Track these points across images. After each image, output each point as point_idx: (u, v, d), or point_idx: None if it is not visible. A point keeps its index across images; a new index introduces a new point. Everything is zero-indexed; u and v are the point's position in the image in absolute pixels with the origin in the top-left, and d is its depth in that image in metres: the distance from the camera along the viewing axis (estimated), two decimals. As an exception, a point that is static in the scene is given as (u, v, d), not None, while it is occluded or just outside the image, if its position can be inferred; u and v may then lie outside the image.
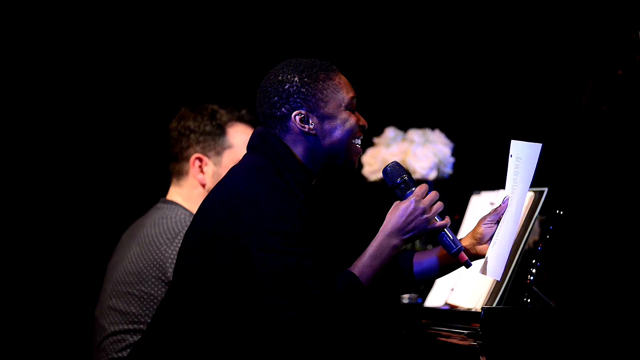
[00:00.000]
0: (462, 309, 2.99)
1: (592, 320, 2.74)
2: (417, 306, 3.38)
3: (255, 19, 4.63)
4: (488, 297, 2.92)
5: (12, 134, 4.28)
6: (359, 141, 2.50)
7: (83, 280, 4.27)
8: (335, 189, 4.53)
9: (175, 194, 3.25)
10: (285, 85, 2.44)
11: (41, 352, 4.30)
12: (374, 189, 4.00)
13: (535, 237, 2.97)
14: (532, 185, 3.03)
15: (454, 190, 3.98)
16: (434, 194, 2.40)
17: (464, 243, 2.48)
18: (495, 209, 2.47)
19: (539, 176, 3.44)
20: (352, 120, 2.46)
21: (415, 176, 3.90)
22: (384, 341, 3.33)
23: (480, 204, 3.21)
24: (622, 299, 2.90)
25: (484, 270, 2.45)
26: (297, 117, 2.43)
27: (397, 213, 2.37)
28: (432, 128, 4.01)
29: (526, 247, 2.93)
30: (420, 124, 4.04)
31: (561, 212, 2.96)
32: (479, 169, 4.40)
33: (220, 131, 3.24)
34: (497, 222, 2.47)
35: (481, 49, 4.59)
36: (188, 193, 3.23)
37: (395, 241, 2.36)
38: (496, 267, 2.44)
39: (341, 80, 2.48)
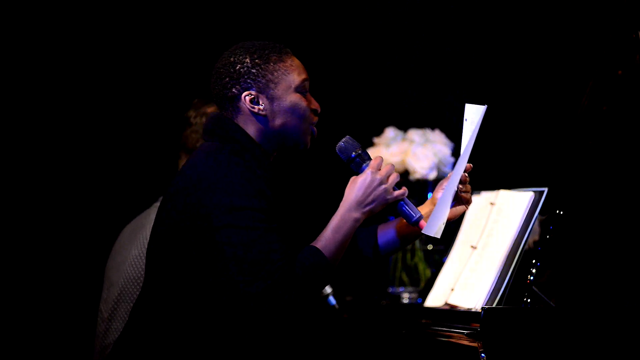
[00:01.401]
0: (462, 309, 2.99)
1: (592, 320, 2.74)
2: (417, 306, 3.38)
3: (256, 19, 4.63)
4: (488, 297, 2.92)
5: (12, 134, 4.28)
6: (313, 128, 2.52)
7: (82, 279, 4.27)
8: (334, 189, 4.53)
9: None
10: (237, 65, 2.45)
11: (41, 352, 4.30)
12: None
13: (535, 237, 2.97)
14: (532, 185, 3.04)
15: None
16: (389, 166, 2.42)
17: (424, 210, 2.53)
18: (451, 174, 2.50)
19: (539, 176, 3.44)
20: (302, 103, 2.48)
21: (415, 176, 3.89)
22: (384, 341, 3.33)
23: (480, 204, 3.21)
24: (622, 299, 2.90)
25: (425, 228, 2.46)
26: (247, 98, 2.44)
27: (355, 186, 2.40)
28: (432, 128, 4.01)
29: (526, 247, 2.93)
30: (420, 124, 4.04)
31: (561, 212, 2.96)
32: (479, 169, 4.40)
33: None
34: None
35: (481, 49, 4.59)
36: None
37: (356, 214, 2.38)
38: (431, 223, 2.44)
39: (293, 62, 2.49)
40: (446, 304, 3.09)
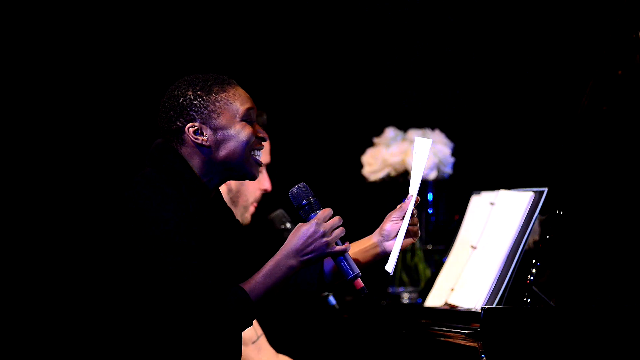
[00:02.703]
0: (462, 309, 2.99)
1: (592, 320, 2.74)
2: (417, 306, 3.38)
3: (256, 19, 4.63)
4: (488, 297, 2.92)
5: (12, 134, 4.28)
6: (259, 153, 2.52)
7: (82, 280, 4.27)
8: (334, 189, 4.54)
9: None
10: (180, 99, 2.47)
11: (41, 352, 4.30)
12: (373, 189, 4.00)
13: (535, 237, 2.97)
14: (532, 185, 3.04)
15: (454, 190, 3.99)
16: (336, 219, 2.41)
17: (372, 240, 2.52)
18: (400, 206, 2.50)
19: (539, 176, 3.44)
20: (247, 131, 2.47)
21: (415, 176, 3.90)
22: (384, 341, 3.34)
23: (480, 204, 3.21)
24: (622, 299, 2.90)
25: (386, 266, 2.48)
26: (191, 129, 2.46)
27: (297, 235, 2.39)
28: (432, 128, 4.01)
29: (526, 247, 2.93)
30: (420, 124, 4.04)
31: (561, 212, 2.96)
32: (479, 169, 4.40)
33: None
34: (402, 219, 2.49)
35: (481, 49, 4.59)
36: None
37: (292, 262, 2.38)
38: (390, 260, 2.46)
39: (236, 92, 2.50)
40: (446, 304, 3.09)
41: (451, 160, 3.94)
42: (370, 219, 3.28)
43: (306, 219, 2.43)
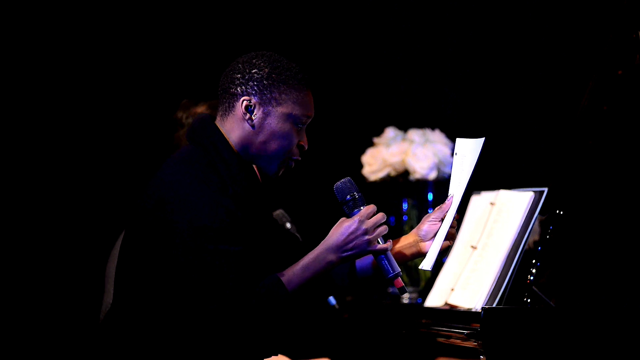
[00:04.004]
0: (462, 309, 2.99)
1: (592, 320, 2.74)
2: (417, 306, 3.38)
3: (255, 20, 4.63)
4: (488, 297, 2.92)
5: (12, 134, 4.28)
6: (292, 163, 2.49)
7: (81, 279, 4.27)
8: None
9: None
10: (253, 69, 2.44)
11: (41, 352, 4.30)
12: (373, 189, 4.00)
13: (535, 237, 2.97)
14: (532, 185, 3.04)
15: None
16: (379, 216, 2.38)
17: (408, 240, 2.51)
18: (440, 207, 2.49)
19: (539, 176, 3.44)
20: (291, 134, 2.45)
21: (415, 176, 3.89)
22: (384, 341, 3.34)
23: (480, 204, 3.21)
24: (622, 299, 2.90)
25: (422, 264, 2.47)
26: (245, 102, 2.42)
27: (339, 230, 2.37)
28: (432, 128, 4.01)
29: (526, 247, 2.93)
30: (420, 124, 4.04)
31: (561, 212, 2.96)
32: (479, 169, 4.40)
33: None
34: (441, 220, 2.48)
35: (482, 49, 4.59)
36: None
37: (332, 257, 2.35)
38: (428, 258, 2.46)
39: (306, 96, 2.46)
40: (446, 304, 3.09)
41: (451, 160, 3.94)
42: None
43: (349, 215, 2.41)
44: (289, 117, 2.44)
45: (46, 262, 4.31)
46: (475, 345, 2.72)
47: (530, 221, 2.93)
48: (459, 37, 4.62)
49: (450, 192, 2.49)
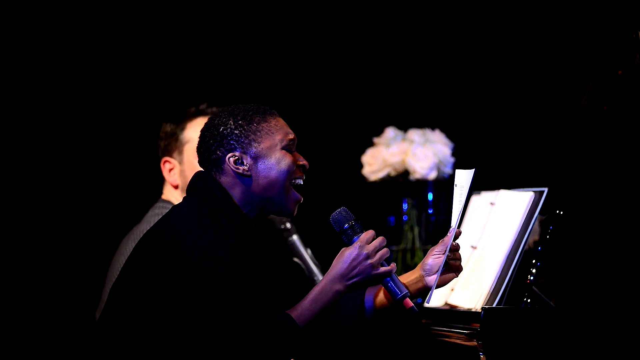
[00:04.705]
0: (462, 309, 2.99)
1: (592, 320, 2.74)
2: (417, 306, 3.37)
3: (256, 20, 4.63)
4: (488, 297, 2.92)
5: (14, 136, 4.28)
6: (300, 181, 2.51)
7: (83, 281, 4.27)
8: (334, 189, 4.53)
9: (168, 193, 3.30)
10: (220, 128, 2.47)
11: (41, 352, 4.30)
12: (373, 189, 4.00)
13: (535, 237, 2.97)
14: (532, 185, 3.04)
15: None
16: (379, 240, 2.41)
17: (414, 275, 2.52)
18: (443, 240, 2.50)
19: (539, 176, 3.44)
20: (287, 160, 2.47)
21: (415, 176, 3.89)
22: (384, 341, 3.33)
23: (480, 204, 3.21)
24: (622, 299, 2.90)
25: (427, 300, 2.50)
26: (232, 159, 2.45)
27: (342, 259, 2.39)
28: (432, 128, 4.01)
29: (526, 247, 2.93)
30: (420, 124, 4.04)
31: (561, 212, 2.96)
32: (479, 169, 4.39)
33: (180, 129, 3.27)
34: (445, 253, 2.50)
35: (482, 50, 4.59)
36: (174, 193, 3.28)
37: (338, 286, 2.37)
38: (431, 293, 2.50)
39: (278, 122, 2.50)
40: (446, 304, 3.09)
41: (451, 160, 3.94)
42: (370, 219, 3.29)
43: (349, 243, 2.43)
44: (275, 147, 2.47)
45: (46, 262, 4.31)
46: (476, 345, 2.72)
47: (530, 221, 2.93)
48: (459, 37, 4.62)
49: (451, 224, 2.50)
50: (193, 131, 3.27)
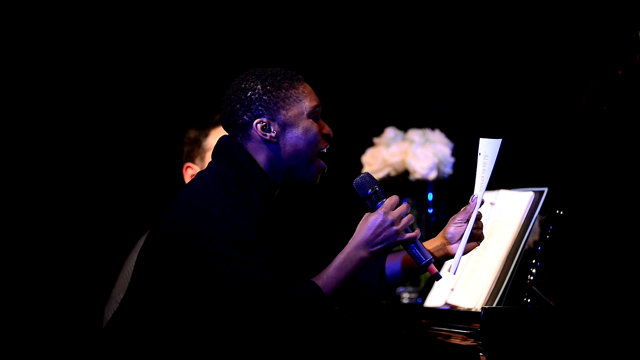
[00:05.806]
0: (462, 309, 2.99)
1: (592, 320, 2.74)
2: (417, 306, 3.38)
3: (256, 20, 4.63)
4: (488, 297, 2.92)
5: (18, 138, 4.28)
6: (324, 149, 2.50)
7: (91, 282, 4.27)
8: (334, 189, 4.53)
9: None
10: (248, 92, 2.44)
11: (41, 352, 4.30)
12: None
13: (535, 237, 2.97)
14: (532, 185, 3.04)
15: (454, 190, 3.99)
16: (404, 207, 2.39)
17: (435, 243, 2.50)
18: (465, 208, 2.48)
19: (539, 176, 3.44)
20: (314, 129, 2.46)
21: (415, 176, 3.89)
22: (384, 341, 3.33)
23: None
24: (622, 299, 2.90)
25: (449, 268, 2.47)
26: (259, 125, 2.43)
27: (366, 225, 2.37)
28: (432, 128, 4.01)
29: (526, 247, 2.93)
30: (420, 124, 4.04)
31: (561, 212, 2.96)
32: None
33: (203, 136, 3.27)
34: (467, 221, 2.47)
35: (481, 50, 4.59)
36: None
37: (363, 253, 2.36)
38: (454, 262, 2.46)
39: (305, 88, 2.48)
40: (446, 304, 3.09)
41: (451, 160, 3.94)
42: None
43: (373, 209, 2.41)
44: (302, 114, 2.45)
45: (48, 263, 4.32)
46: (475, 345, 2.72)
47: (530, 221, 2.93)
48: (459, 37, 4.62)
49: (475, 192, 2.48)
50: (216, 139, 3.26)
